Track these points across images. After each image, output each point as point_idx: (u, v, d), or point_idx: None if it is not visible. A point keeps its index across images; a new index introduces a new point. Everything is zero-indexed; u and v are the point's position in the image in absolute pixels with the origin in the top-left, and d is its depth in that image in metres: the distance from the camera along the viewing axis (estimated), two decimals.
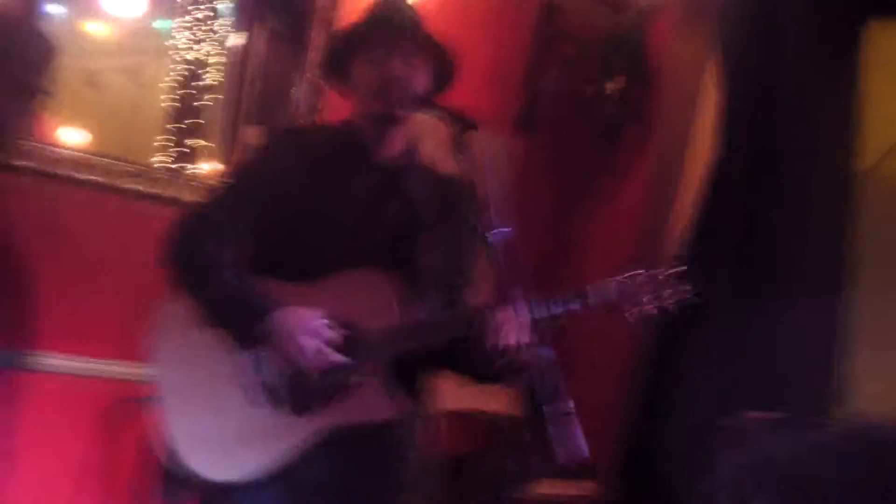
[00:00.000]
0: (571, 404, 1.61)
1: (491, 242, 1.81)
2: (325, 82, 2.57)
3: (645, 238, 3.67)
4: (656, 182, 3.68)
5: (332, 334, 2.06)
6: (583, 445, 1.59)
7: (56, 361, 3.01)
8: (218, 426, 2.08)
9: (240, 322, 2.08)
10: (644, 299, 2.03)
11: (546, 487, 3.44)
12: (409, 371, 2.15)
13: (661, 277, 2.05)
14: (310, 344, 2.04)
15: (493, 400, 3.72)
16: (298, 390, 2.09)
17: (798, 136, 2.86)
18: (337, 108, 2.40)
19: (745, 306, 2.87)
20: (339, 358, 2.05)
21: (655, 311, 2.03)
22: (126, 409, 2.88)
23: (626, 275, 2.05)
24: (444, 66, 2.22)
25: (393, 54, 2.13)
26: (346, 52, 2.19)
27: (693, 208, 3.12)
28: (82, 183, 3.06)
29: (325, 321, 2.06)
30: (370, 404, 2.07)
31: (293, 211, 2.16)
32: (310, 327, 2.04)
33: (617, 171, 3.85)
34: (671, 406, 2.95)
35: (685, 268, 2.05)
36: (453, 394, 3.70)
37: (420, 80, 2.15)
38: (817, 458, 1.20)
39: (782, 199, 2.88)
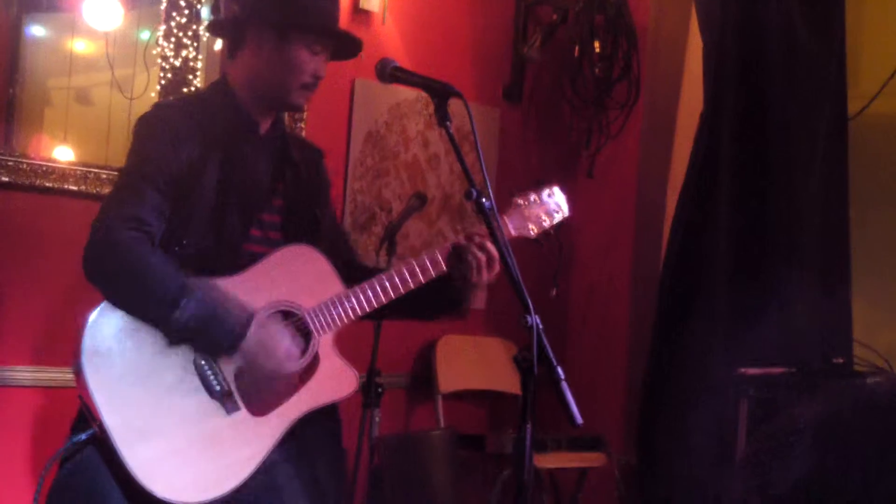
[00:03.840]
0: (561, 372, 1.61)
1: (483, 209, 1.81)
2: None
3: (643, 192, 3.67)
4: (649, 137, 3.68)
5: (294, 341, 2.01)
6: (576, 413, 1.58)
7: (34, 374, 2.96)
8: (177, 445, 1.91)
9: (211, 333, 1.91)
10: (543, 219, 2.17)
11: (555, 461, 3.43)
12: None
13: (545, 196, 2.18)
14: (281, 353, 1.98)
15: (497, 379, 3.72)
16: (251, 391, 1.97)
17: (787, 80, 2.85)
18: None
19: (746, 259, 2.85)
20: (303, 362, 2.01)
21: (551, 228, 2.18)
22: None
23: (521, 197, 2.17)
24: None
25: (326, 52, 2.10)
26: (281, 21, 2.06)
27: (688, 160, 3.14)
28: (71, 194, 3.02)
29: (281, 328, 1.99)
30: (334, 382, 2.02)
31: (199, 202, 2.03)
32: (274, 339, 1.97)
33: (610, 130, 3.86)
34: (683, 366, 2.94)
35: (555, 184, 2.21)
36: (460, 375, 3.71)
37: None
38: (854, 416, 1.20)
39: (774, 147, 2.87)
